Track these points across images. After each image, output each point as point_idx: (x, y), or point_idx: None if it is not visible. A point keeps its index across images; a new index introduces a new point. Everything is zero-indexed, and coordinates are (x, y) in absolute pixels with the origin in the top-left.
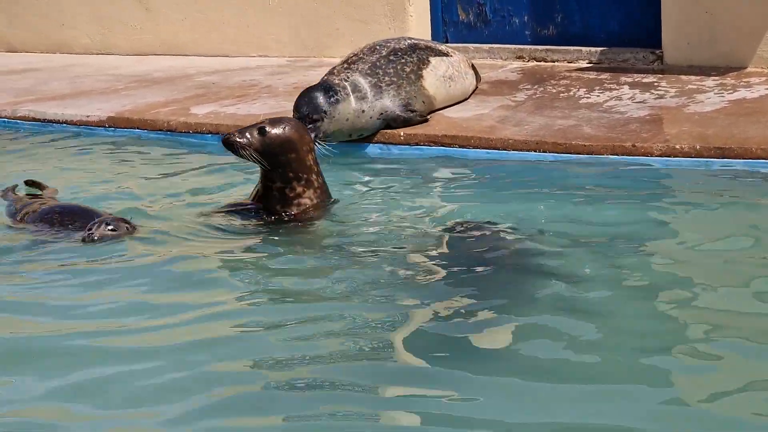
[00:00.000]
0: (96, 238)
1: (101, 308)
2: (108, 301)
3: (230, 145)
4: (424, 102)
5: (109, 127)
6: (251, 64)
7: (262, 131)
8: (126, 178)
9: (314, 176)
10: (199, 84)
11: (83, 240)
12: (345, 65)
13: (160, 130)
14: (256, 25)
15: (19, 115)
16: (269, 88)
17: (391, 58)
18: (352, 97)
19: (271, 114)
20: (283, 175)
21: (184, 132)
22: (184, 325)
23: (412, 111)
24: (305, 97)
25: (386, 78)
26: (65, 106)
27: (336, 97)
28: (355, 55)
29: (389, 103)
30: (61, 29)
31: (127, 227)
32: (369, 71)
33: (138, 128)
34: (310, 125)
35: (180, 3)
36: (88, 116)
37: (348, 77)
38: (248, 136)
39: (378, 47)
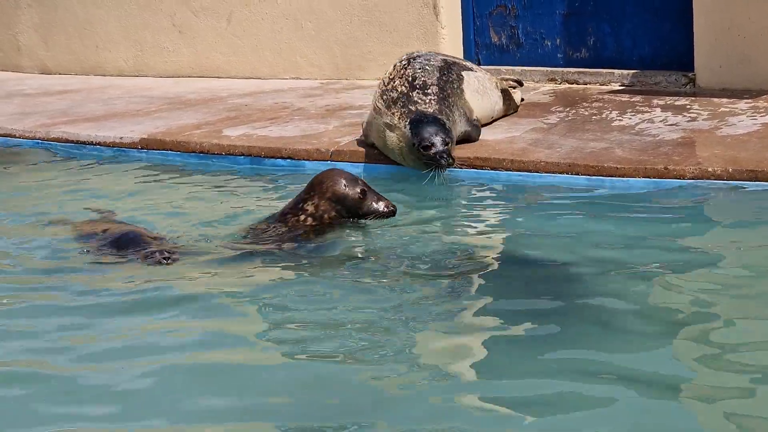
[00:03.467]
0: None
1: (140, 326)
2: (138, 324)
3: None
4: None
5: (142, 148)
6: (283, 87)
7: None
8: (158, 201)
9: None
10: (232, 106)
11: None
12: (421, 93)
13: (193, 152)
14: (289, 48)
15: (52, 136)
16: (301, 110)
17: (443, 78)
18: (450, 123)
19: (303, 135)
20: None
21: (217, 154)
22: (229, 346)
23: (474, 124)
24: (436, 130)
25: (451, 98)
26: (98, 127)
27: (446, 125)
28: (414, 78)
29: (463, 121)
30: (95, 51)
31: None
32: (441, 94)
33: (171, 150)
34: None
35: (213, 25)
36: (121, 138)
37: (440, 107)
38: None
39: (427, 67)
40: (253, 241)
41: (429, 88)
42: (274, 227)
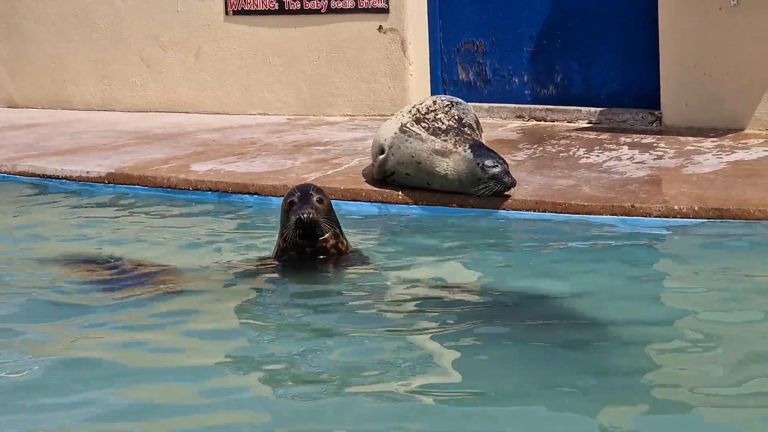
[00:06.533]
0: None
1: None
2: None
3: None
4: None
5: (109, 183)
6: (251, 122)
7: (320, 200)
8: (125, 235)
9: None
10: (200, 141)
11: None
12: (470, 131)
13: (160, 186)
14: (257, 83)
15: (18, 170)
16: (269, 145)
17: (478, 127)
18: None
19: (271, 171)
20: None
21: (184, 189)
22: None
23: None
24: (496, 155)
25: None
26: (65, 161)
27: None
28: (461, 118)
29: None
30: (63, 85)
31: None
32: (480, 137)
33: (138, 185)
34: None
35: (181, 60)
36: (88, 172)
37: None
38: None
39: (469, 113)
40: (256, 272)
41: (476, 131)
42: (272, 260)
